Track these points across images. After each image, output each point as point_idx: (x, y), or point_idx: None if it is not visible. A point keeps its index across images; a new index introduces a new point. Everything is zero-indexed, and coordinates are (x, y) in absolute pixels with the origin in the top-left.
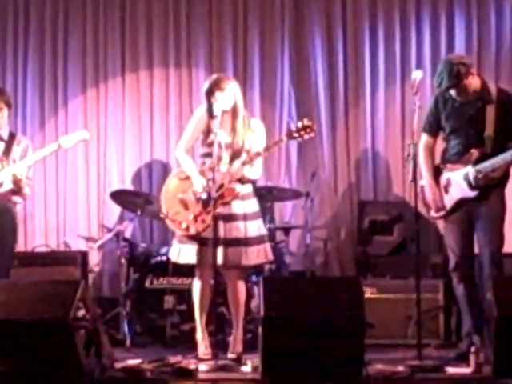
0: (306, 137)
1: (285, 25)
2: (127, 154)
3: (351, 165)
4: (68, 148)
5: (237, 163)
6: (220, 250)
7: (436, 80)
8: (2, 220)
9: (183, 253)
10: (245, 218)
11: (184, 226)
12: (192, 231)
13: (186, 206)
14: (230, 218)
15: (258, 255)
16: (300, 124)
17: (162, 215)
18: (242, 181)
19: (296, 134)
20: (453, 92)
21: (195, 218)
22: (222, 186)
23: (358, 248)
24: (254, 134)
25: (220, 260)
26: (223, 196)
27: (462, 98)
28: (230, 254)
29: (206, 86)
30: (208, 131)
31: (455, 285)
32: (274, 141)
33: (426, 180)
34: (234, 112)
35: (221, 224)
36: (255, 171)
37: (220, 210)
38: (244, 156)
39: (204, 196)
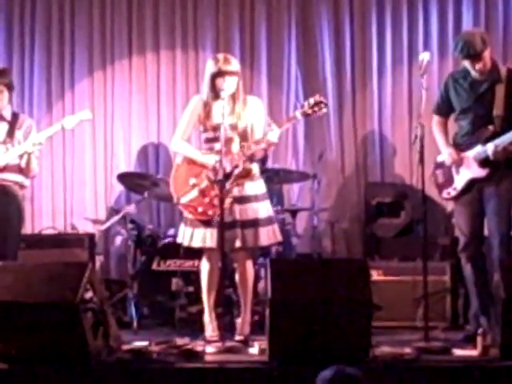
0: (320, 113)
1: (292, 7)
2: (134, 137)
3: (358, 147)
4: (71, 128)
5: (250, 143)
6: (238, 232)
7: (455, 48)
8: (9, 202)
9: (197, 237)
10: (256, 199)
11: (200, 210)
12: (210, 214)
13: (200, 191)
14: (243, 199)
15: (268, 236)
16: (312, 100)
17: (174, 202)
18: (253, 160)
19: (310, 111)
20: (468, 64)
21: (211, 201)
22: (236, 166)
23: (365, 230)
24: (252, 112)
25: (238, 242)
26: (240, 176)
27: (476, 73)
28: (248, 235)
29: (213, 68)
30: (206, 116)
31: (463, 265)
32: (288, 118)
33: (445, 149)
34: (234, 92)
35: (236, 206)
36: (275, 133)
37: (235, 191)
38: (253, 135)
39: (221, 176)
